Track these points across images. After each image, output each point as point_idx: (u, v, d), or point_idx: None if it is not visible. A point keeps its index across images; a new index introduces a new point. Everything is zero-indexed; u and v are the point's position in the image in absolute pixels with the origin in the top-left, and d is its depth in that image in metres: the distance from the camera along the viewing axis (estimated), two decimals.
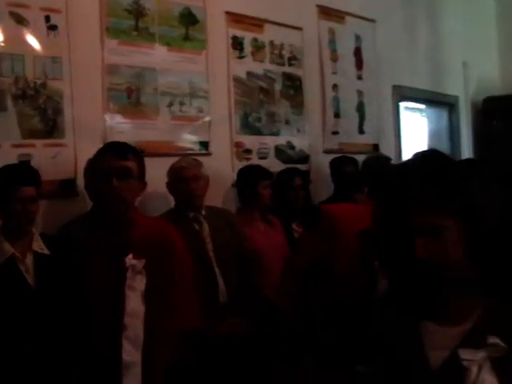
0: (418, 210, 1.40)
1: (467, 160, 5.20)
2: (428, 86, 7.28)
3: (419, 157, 1.53)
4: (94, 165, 2.80)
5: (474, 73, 8.15)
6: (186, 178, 3.73)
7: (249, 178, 4.37)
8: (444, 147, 7.87)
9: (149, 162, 4.11)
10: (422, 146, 8.01)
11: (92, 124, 3.90)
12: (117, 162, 2.62)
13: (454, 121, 7.89)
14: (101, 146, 3.82)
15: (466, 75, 8.02)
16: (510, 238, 1.52)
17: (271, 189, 4.50)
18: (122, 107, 4.08)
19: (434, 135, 7.98)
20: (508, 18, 8.78)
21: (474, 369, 1.38)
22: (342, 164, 5.15)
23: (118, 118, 4.05)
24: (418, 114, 8.10)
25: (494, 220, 1.46)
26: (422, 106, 7.83)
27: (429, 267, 1.40)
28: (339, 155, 5.39)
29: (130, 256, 2.44)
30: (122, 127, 4.06)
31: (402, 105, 7.02)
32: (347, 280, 3.09)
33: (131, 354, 2.42)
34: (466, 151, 8.02)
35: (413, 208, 1.40)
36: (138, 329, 2.44)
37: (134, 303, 2.44)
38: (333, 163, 5.25)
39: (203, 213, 3.84)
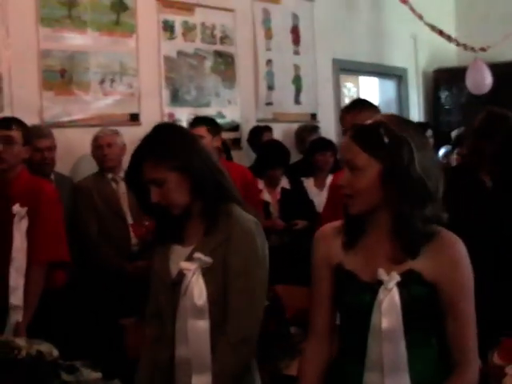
0: (146, 167, 2.28)
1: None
2: (372, 59, 8.15)
3: (152, 128, 2.45)
4: None
5: (425, 45, 8.99)
6: (101, 146, 4.70)
7: None
8: None
9: (82, 133, 5.13)
10: None
11: (29, 101, 4.85)
12: (1, 132, 3.58)
13: (402, 92, 8.78)
14: (37, 120, 4.86)
15: (415, 47, 8.88)
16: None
17: None
18: (56, 86, 5.04)
19: (384, 106, 8.88)
20: None
21: (189, 275, 2.25)
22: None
23: (52, 95, 5.01)
24: (371, 85, 9.02)
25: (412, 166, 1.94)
26: (374, 78, 8.75)
27: (161, 207, 2.31)
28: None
29: (17, 205, 3.40)
30: (55, 103, 5.03)
31: (345, 78, 7.92)
32: None
33: (17, 280, 3.36)
34: (416, 119, 8.89)
35: (142, 166, 2.30)
36: (22, 260, 3.36)
37: (19, 241, 3.35)
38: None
39: (121, 174, 4.80)
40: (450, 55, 9.42)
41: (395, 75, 8.73)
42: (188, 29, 6.01)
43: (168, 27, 5.86)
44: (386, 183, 1.91)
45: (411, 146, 1.90)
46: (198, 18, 6.10)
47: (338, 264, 2.06)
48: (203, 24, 6.14)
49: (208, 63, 6.17)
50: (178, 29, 5.94)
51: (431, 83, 9.14)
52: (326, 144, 6.03)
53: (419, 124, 7.31)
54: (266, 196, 5.36)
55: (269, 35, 6.80)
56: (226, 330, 2.24)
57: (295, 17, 7.11)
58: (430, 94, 9.19)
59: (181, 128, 2.49)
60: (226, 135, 6.00)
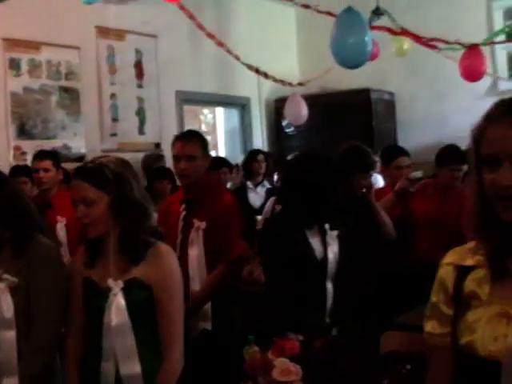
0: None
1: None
2: (216, 90, 9.03)
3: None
4: None
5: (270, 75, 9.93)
6: None
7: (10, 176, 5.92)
8: (237, 143, 9.73)
9: None
10: (219, 143, 9.86)
11: None
12: None
13: (246, 120, 9.72)
14: None
15: (258, 78, 9.79)
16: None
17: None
18: None
19: (228, 133, 9.81)
20: (306, 26, 10.60)
21: None
22: None
23: None
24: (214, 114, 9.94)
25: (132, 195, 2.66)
26: (218, 108, 9.66)
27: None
28: None
29: None
30: None
31: (189, 108, 8.76)
32: None
33: None
34: (260, 145, 9.83)
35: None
36: None
37: None
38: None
39: None
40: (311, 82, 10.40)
41: (239, 104, 9.64)
42: (34, 66, 6.69)
43: (14, 65, 6.51)
44: (113, 210, 2.59)
45: (129, 179, 2.62)
46: (43, 55, 6.79)
47: (85, 277, 2.71)
48: (49, 61, 6.83)
49: (54, 98, 6.85)
50: (24, 66, 6.61)
51: (273, 111, 10.11)
52: (163, 172, 6.79)
53: (254, 151, 8.20)
54: None
55: (113, 70, 7.54)
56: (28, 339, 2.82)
57: (139, 52, 7.89)
58: (272, 122, 10.16)
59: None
60: (71, 166, 6.66)
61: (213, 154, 10.79)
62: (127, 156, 7.53)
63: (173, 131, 8.24)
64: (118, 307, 2.57)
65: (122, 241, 2.62)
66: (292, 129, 9.89)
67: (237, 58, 6.82)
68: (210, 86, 8.97)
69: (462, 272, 1.78)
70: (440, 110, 9.60)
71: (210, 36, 6.25)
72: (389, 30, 6.34)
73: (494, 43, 8.52)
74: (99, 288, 2.64)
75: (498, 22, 9.52)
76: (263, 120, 10.11)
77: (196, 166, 4.06)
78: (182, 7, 5.59)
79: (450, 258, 1.84)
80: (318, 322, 3.22)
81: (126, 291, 2.58)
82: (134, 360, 2.58)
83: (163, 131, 8.13)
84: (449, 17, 9.50)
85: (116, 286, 2.58)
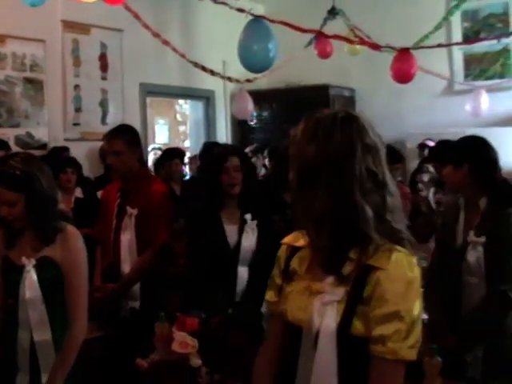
0: None
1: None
2: (181, 83, 9.47)
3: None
4: None
5: (235, 68, 10.34)
6: None
7: None
8: (201, 134, 10.19)
9: None
10: (186, 133, 10.33)
11: None
12: None
13: (210, 112, 10.18)
14: None
15: (224, 71, 10.24)
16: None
17: None
18: None
19: (193, 124, 10.27)
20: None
21: None
22: None
23: None
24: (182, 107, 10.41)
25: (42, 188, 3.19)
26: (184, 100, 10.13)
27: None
28: None
29: None
30: None
31: (153, 99, 9.21)
32: None
33: None
34: (224, 137, 10.31)
35: None
36: None
37: None
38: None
39: None
40: (259, 78, 10.85)
41: (203, 97, 10.09)
42: None
43: None
44: (29, 204, 2.98)
45: (38, 174, 2.98)
46: (9, 48, 7.23)
47: (4, 256, 3.13)
48: (14, 54, 7.25)
49: (18, 89, 7.29)
50: None
51: None
52: None
53: (211, 143, 8.61)
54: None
55: (77, 63, 8.00)
56: None
57: (104, 46, 8.34)
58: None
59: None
60: (35, 153, 7.09)
61: (187, 144, 11.32)
62: (90, 145, 8.05)
63: (135, 122, 8.73)
64: (30, 282, 3.01)
65: (36, 227, 3.07)
66: (254, 121, 10.38)
67: (182, 55, 7.30)
68: (175, 79, 9.42)
69: (293, 251, 2.23)
70: (397, 108, 10.08)
71: (156, 35, 6.70)
72: (318, 33, 6.77)
73: (445, 45, 9.03)
74: (15, 265, 3.07)
75: (456, 24, 10.03)
76: (227, 113, 10.56)
77: (122, 161, 4.50)
78: (127, 8, 5.97)
79: (287, 238, 2.29)
80: (218, 302, 3.67)
81: (38, 268, 3.04)
82: (46, 328, 3.03)
83: (126, 122, 8.51)
84: (408, 18, 9.98)
85: (29, 263, 3.04)
